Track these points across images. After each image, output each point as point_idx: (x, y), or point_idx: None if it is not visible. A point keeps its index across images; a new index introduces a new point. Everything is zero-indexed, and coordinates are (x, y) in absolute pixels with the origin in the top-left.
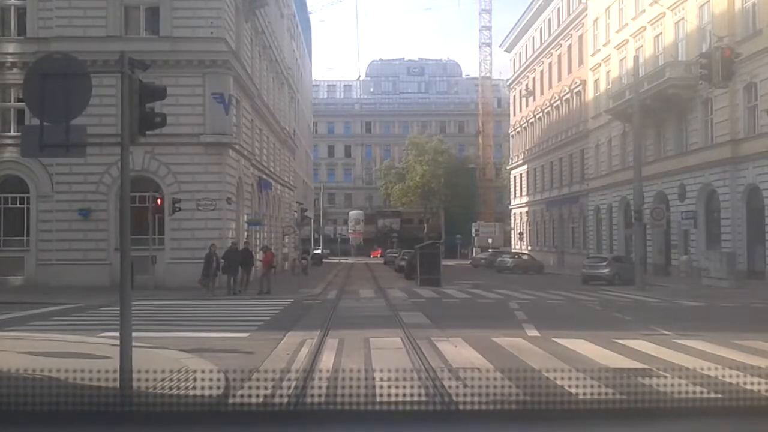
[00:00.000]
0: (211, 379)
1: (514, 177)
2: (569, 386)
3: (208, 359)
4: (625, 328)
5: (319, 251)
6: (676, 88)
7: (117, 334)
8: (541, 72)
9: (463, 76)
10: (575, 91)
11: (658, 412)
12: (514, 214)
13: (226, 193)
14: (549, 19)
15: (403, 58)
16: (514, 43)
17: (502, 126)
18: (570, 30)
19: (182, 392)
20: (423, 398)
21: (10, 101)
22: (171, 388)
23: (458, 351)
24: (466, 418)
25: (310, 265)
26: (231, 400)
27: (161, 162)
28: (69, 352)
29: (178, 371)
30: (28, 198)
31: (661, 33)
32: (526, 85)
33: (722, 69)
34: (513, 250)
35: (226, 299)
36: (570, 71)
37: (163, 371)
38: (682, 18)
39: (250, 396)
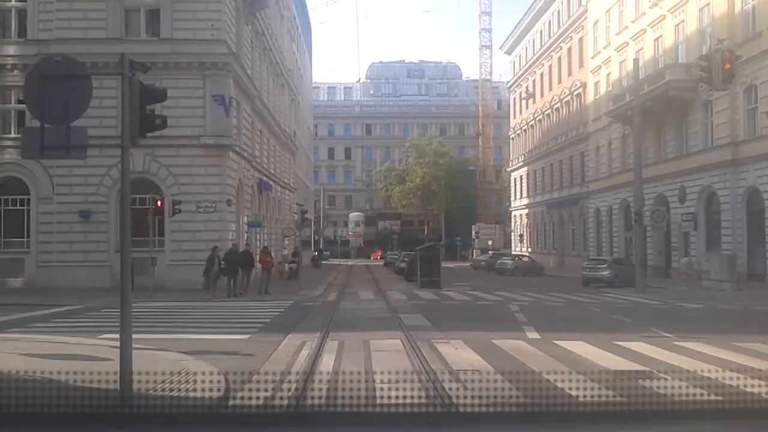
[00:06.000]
0: (211, 381)
1: (515, 179)
2: (569, 388)
3: (208, 361)
4: (625, 331)
5: (317, 253)
6: (676, 90)
7: (117, 335)
8: (541, 74)
9: (463, 78)
10: (575, 93)
11: (658, 414)
12: (514, 216)
13: (227, 195)
14: (549, 22)
15: (403, 61)
16: (514, 45)
17: (502, 128)
18: (570, 32)
19: (182, 394)
20: (423, 400)
21: (10, 103)
22: (171, 390)
23: (458, 353)
24: (466, 420)
25: (312, 266)
26: (231, 402)
27: (161, 164)
28: (69, 354)
29: (178, 373)
30: (29, 200)
31: (661, 35)
32: (526, 87)
33: (722, 71)
34: (513, 252)
35: (226, 301)
36: (570, 74)
37: (163, 373)
38: (682, 20)
39: (250, 398)
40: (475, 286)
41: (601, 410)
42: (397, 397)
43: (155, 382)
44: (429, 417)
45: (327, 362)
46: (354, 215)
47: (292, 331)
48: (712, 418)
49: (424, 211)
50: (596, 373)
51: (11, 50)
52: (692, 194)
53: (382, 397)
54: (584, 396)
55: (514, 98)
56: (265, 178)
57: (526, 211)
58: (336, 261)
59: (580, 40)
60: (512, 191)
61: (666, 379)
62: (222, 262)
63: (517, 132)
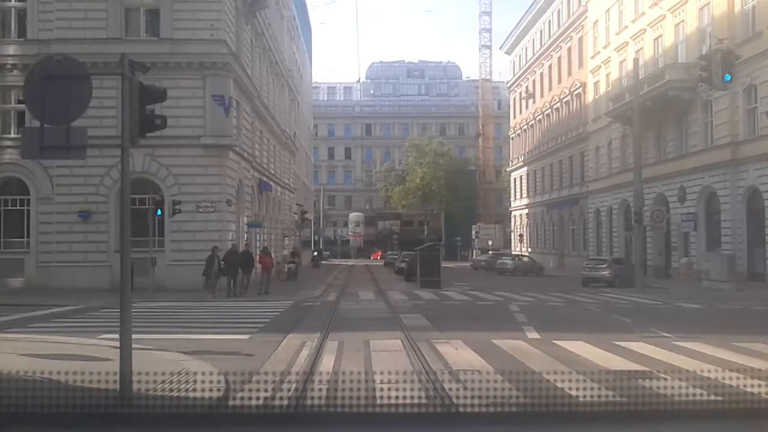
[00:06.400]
0: (211, 382)
1: (514, 179)
2: (569, 388)
3: (208, 361)
4: (625, 331)
5: (316, 253)
6: (676, 90)
7: (117, 336)
8: (541, 74)
9: (463, 78)
10: (575, 93)
11: (658, 414)
12: (514, 216)
13: (226, 195)
14: (549, 22)
15: (403, 61)
16: (514, 45)
17: (502, 128)
18: (570, 32)
19: (182, 394)
20: (423, 401)
21: (10, 103)
22: (171, 390)
23: (458, 353)
24: (466, 421)
25: (311, 266)
26: (231, 402)
27: (161, 164)
28: (69, 354)
29: (178, 373)
30: (29, 200)
31: (661, 35)
32: (526, 87)
33: (722, 71)
34: (513, 252)
35: (226, 301)
36: (570, 73)
37: (163, 373)
38: (682, 20)
39: (249, 398)
40: (475, 286)
41: (601, 410)
42: (397, 398)
43: (155, 382)
44: (429, 417)
45: (327, 362)
46: (354, 215)
47: (292, 331)
48: (712, 419)
49: (424, 211)
50: (596, 373)
51: (11, 50)
52: (692, 194)
53: (382, 398)
54: (584, 396)
55: (514, 98)
56: (265, 179)
57: (526, 211)
58: (336, 261)
59: (580, 39)
60: (512, 191)
61: (666, 379)
62: (222, 263)
63: (517, 132)
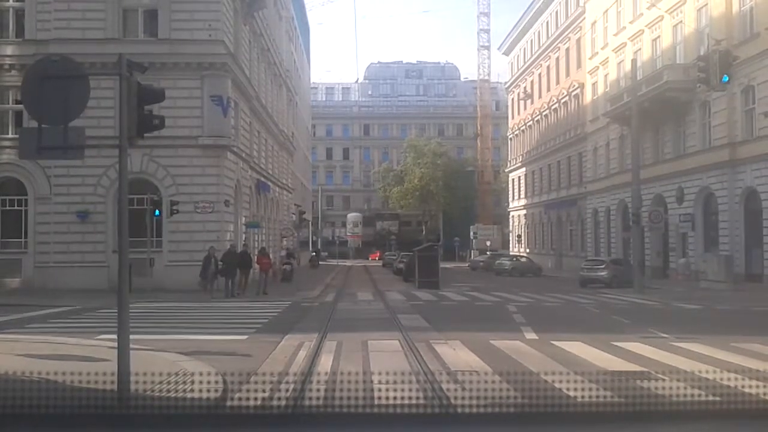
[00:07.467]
0: (209, 382)
1: (513, 180)
2: (567, 389)
3: (206, 362)
4: (623, 331)
5: (314, 253)
6: (674, 91)
7: (115, 336)
8: (540, 75)
9: (462, 79)
10: (573, 94)
11: (656, 414)
12: (513, 216)
13: (224, 196)
14: (547, 23)
15: (402, 61)
16: (512, 46)
17: (501, 129)
18: (568, 33)
19: (180, 395)
20: (421, 401)
21: (8, 103)
22: (169, 391)
23: (456, 354)
24: (464, 421)
25: (309, 267)
26: (229, 403)
27: (159, 164)
28: (67, 355)
29: (176, 374)
30: (26, 200)
31: (659, 36)
32: (525, 88)
33: (720, 72)
34: (511, 253)
35: (224, 302)
36: (568, 74)
37: (160, 374)
38: (680, 21)
39: (247, 399)
40: (473, 286)
41: (599, 411)
42: (395, 398)
43: (153, 382)
44: (427, 418)
45: (325, 363)
46: (352, 216)
47: (290, 331)
48: (710, 419)
49: (422, 211)
50: (594, 373)
51: (9, 50)
52: (690, 195)
53: (380, 398)
54: (582, 396)
55: (513, 99)
56: (263, 179)
57: (524, 211)
58: (334, 262)
59: (578, 41)
60: (510, 192)
61: (664, 379)
62: (220, 263)
63: (515, 132)
